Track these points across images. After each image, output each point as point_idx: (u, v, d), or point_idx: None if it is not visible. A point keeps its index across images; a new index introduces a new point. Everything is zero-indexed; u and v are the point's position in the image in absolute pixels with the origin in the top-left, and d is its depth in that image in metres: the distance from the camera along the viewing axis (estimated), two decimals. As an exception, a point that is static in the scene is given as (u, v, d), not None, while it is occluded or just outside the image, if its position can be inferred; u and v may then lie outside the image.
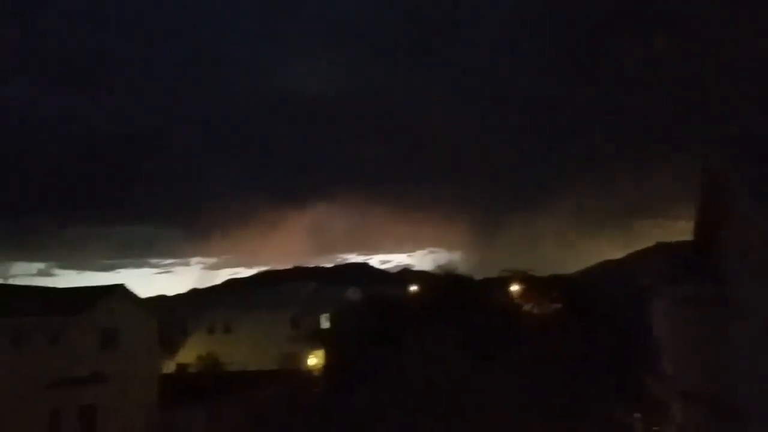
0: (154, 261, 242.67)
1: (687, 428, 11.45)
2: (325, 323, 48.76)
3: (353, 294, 51.75)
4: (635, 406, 20.45)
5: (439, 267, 31.81)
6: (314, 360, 44.33)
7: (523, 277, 44.99)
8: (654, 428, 21.00)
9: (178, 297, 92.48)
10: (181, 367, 49.88)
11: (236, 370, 43.67)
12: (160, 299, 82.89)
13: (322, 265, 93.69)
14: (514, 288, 48.48)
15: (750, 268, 9.97)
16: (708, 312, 11.34)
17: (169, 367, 49.64)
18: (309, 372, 42.33)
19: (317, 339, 41.78)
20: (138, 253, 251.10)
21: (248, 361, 45.84)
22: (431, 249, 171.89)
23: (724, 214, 11.25)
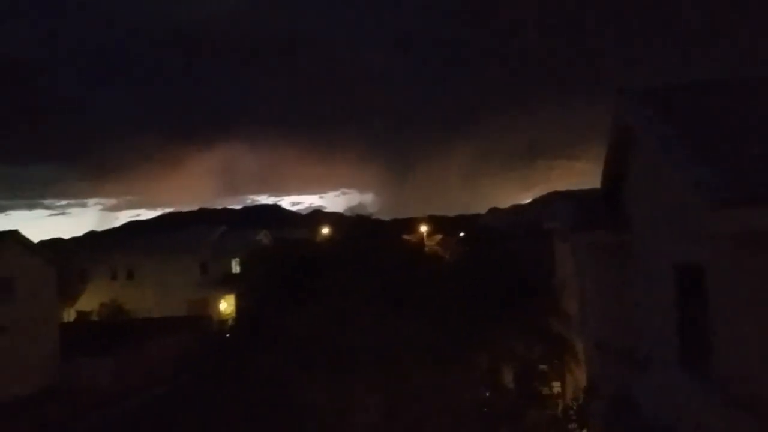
0: (47, 202, 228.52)
1: (600, 376, 12.28)
2: (236, 268, 48.10)
3: (264, 238, 51.17)
4: (539, 342, 21.65)
5: (350, 208, 31.90)
6: (226, 305, 43.81)
7: (431, 219, 45.83)
8: (555, 361, 22.41)
9: (75, 240, 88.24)
10: (82, 315, 47.93)
11: (142, 317, 42.59)
12: (56, 242, 78.77)
13: (230, 206, 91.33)
14: (423, 228, 49.81)
15: (649, 218, 10.53)
16: (611, 260, 11.97)
17: (69, 315, 47.65)
18: (220, 318, 41.82)
19: (228, 284, 41.14)
20: (30, 194, 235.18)
21: (155, 307, 44.71)
22: (343, 190, 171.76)
23: (628, 166, 11.73)
